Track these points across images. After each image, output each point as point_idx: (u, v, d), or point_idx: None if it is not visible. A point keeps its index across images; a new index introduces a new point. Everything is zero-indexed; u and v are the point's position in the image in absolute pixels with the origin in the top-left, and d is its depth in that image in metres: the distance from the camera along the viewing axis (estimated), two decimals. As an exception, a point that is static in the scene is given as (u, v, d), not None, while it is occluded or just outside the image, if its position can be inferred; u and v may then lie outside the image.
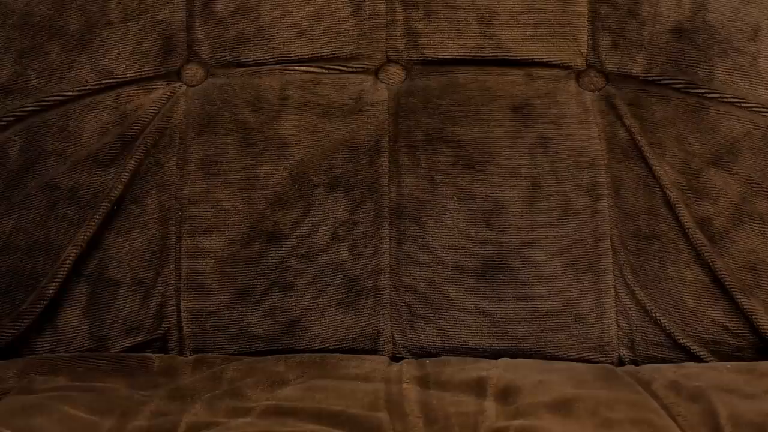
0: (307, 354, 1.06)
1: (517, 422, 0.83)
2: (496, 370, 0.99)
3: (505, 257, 1.09)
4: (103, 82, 1.12)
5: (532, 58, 1.11)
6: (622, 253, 1.09)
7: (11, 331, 1.08)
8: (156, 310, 1.11)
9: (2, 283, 1.10)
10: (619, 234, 1.09)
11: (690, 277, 1.08)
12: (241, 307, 1.10)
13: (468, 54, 1.12)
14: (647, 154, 1.09)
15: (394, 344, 1.10)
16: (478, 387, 0.95)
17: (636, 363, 1.08)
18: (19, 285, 1.10)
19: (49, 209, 1.11)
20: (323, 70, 1.12)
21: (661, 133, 1.10)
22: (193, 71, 1.14)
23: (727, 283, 1.07)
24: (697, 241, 1.08)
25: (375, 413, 0.86)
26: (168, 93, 1.13)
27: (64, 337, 1.10)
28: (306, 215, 1.10)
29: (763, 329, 1.06)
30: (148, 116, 1.12)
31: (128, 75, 1.12)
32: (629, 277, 1.09)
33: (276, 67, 1.12)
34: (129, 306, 1.11)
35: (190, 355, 1.09)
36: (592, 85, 1.12)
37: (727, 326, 1.08)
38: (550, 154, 1.10)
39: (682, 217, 1.08)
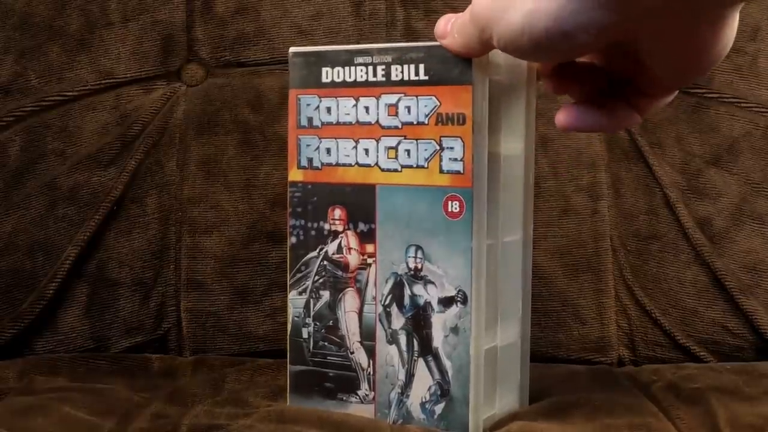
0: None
1: (516, 424, 0.83)
2: (496, 371, 0.99)
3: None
4: (103, 82, 1.12)
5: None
6: (622, 253, 1.09)
7: (11, 331, 1.09)
8: (156, 310, 1.11)
9: (2, 283, 1.11)
10: (619, 234, 1.09)
11: (690, 277, 1.08)
12: (241, 307, 1.10)
13: (468, 54, 1.12)
14: (647, 154, 1.09)
15: (394, 344, 1.10)
16: (478, 388, 0.95)
17: (636, 363, 1.08)
18: (19, 285, 1.10)
19: (49, 209, 1.11)
20: (323, 70, 1.12)
21: (661, 133, 1.10)
22: (193, 71, 1.14)
23: (726, 283, 1.07)
24: (697, 241, 1.08)
25: (376, 423, 0.86)
26: (168, 93, 1.13)
27: (64, 337, 1.10)
28: (306, 215, 1.10)
29: (763, 329, 1.06)
30: (148, 116, 1.12)
31: (128, 75, 1.12)
32: (629, 277, 1.09)
33: (276, 67, 1.12)
34: (129, 306, 1.11)
35: (190, 356, 1.10)
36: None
37: (726, 326, 1.08)
38: (550, 154, 1.10)
39: (682, 217, 1.08)
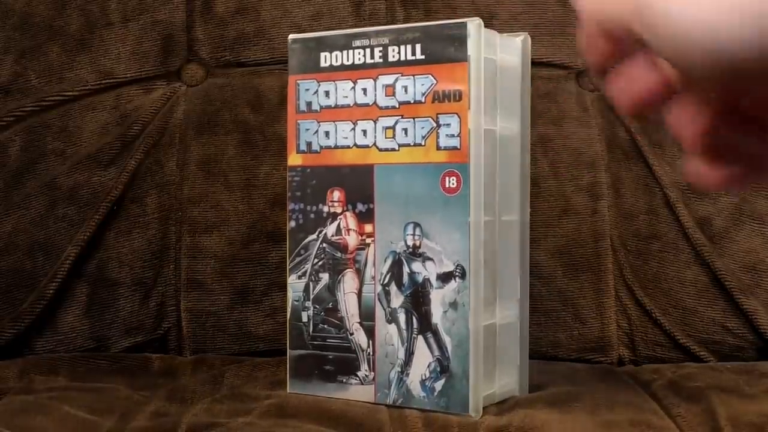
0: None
1: (516, 421, 0.83)
2: (496, 370, 0.99)
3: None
4: (103, 82, 1.12)
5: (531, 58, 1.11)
6: (622, 253, 1.09)
7: (11, 331, 1.08)
8: (156, 310, 1.11)
9: (2, 282, 1.10)
10: (619, 234, 1.09)
11: (690, 277, 1.08)
12: (241, 307, 1.10)
13: (468, 54, 1.12)
14: (647, 154, 1.09)
15: (394, 344, 1.10)
16: (478, 387, 0.95)
17: (636, 363, 1.08)
18: (19, 285, 1.10)
19: (49, 209, 1.11)
20: (323, 70, 1.13)
21: (661, 133, 1.10)
22: (193, 71, 1.14)
23: (726, 283, 1.07)
24: (697, 241, 1.08)
25: (375, 414, 0.86)
26: (168, 93, 1.13)
27: (64, 337, 1.10)
28: (306, 215, 1.10)
29: (763, 329, 1.06)
30: (148, 116, 1.12)
31: (128, 75, 1.12)
32: (629, 277, 1.09)
33: (276, 67, 1.12)
34: (129, 306, 1.11)
35: (190, 355, 1.09)
36: (591, 85, 1.12)
37: (726, 326, 1.08)
38: (550, 154, 1.10)
39: (682, 217, 1.08)
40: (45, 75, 1.12)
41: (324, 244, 0.92)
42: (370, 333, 0.90)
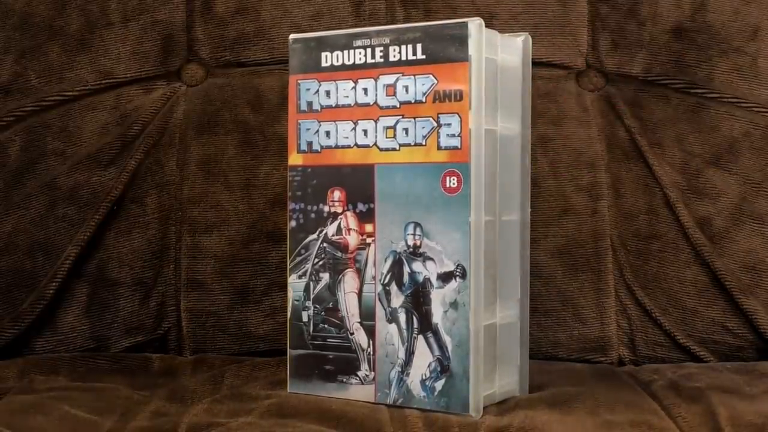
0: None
1: (517, 422, 0.83)
2: (496, 370, 0.99)
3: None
4: (103, 82, 1.12)
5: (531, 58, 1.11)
6: (622, 253, 1.09)
7: (11, 331, 1.08)
8: (156, 310, 1.11)
9: (2, 282, 1.10)
10: (619, 234, 1.09)
11: (690, 277, 1.08)
12: (241, 307, 1.10)
13: (468, 54, 1.12)
14: (647, 154, 1.09)
15: (394, 344, 1.10)
16: (478, 387, 0.95)
17: (636, 363, 1.08)
18: (19, 285, 1.10)
19: (49, 209, 1.11)
20: (323, 70, 1.13)
21: (661, 133, 1.10)
22: (193, 71, 1.14)
23: (726, 283, 1.07)
24: (697, 241, 1.08)
25: (375, 414, 0.86)
26: (168, 93, 1.13)
27: (64, 337, 1.10)
28: (306, 215, 1.10)
29: (763, 329, 1.06)
30: (148, 116, 1.12)
31: (128, 75, 1.12)
32: (629, 277, 1.09)
33: (276, 67, 1.12)
34: (129, 306, 1.11)
35: (190, 355, 1.09)
36: (591, 85, 1.12)
37: (726, 326, 1.08)
38: (549, 154, 1.10)
39: (682, 217, 1.08)
40: (45, 75, 1.12)
41: (324, 244, 0.92)
42: (371, 333, 0.90)
